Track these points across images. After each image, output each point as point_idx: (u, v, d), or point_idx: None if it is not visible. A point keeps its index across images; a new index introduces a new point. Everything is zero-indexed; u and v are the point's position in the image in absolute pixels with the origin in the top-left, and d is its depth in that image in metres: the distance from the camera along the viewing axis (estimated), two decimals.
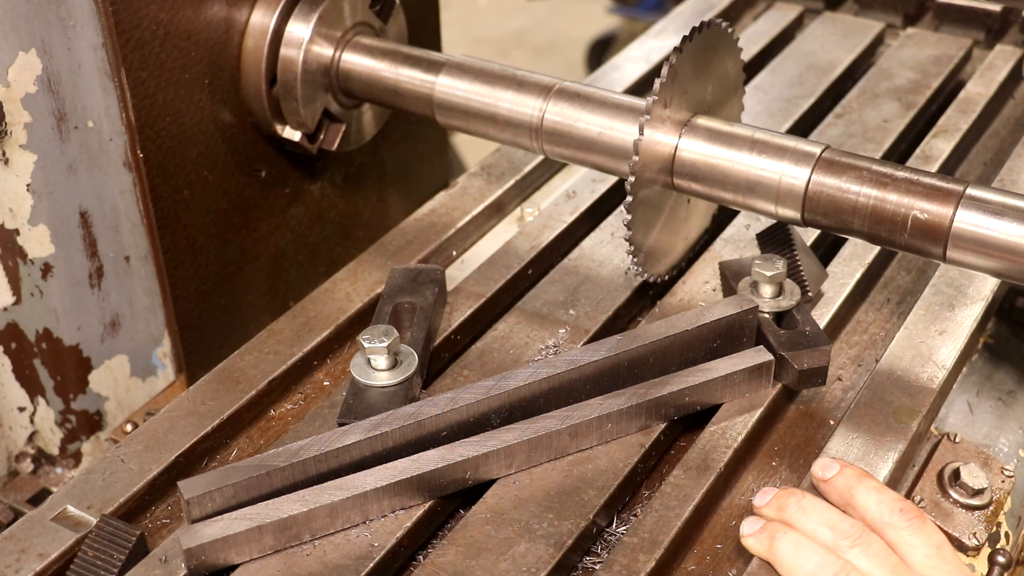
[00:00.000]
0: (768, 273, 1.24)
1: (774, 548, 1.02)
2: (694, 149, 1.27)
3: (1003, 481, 1.21)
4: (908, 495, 1.18)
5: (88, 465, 1.37)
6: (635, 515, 1.12)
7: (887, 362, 1.25)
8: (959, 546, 1.15)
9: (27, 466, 1.51)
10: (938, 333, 1.30)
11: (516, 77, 1.39)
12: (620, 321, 1.37)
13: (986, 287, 1.36)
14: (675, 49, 1.22)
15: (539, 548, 1.04)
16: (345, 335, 1.35)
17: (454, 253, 1.51)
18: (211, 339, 1.52)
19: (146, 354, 1.53)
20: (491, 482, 1.11)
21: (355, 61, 1.47)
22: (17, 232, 1.36)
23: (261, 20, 1.42)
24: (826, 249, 1.48)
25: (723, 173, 1.26)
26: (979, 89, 1.75)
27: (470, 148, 3.06)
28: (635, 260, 1.30)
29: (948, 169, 1.61)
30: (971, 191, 1.15)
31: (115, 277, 1.45)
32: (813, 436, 1.21)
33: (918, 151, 1.62)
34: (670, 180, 1.29)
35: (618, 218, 1.50)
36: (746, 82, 1.51)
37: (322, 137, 1.51)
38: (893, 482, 1.15)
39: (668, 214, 1.34)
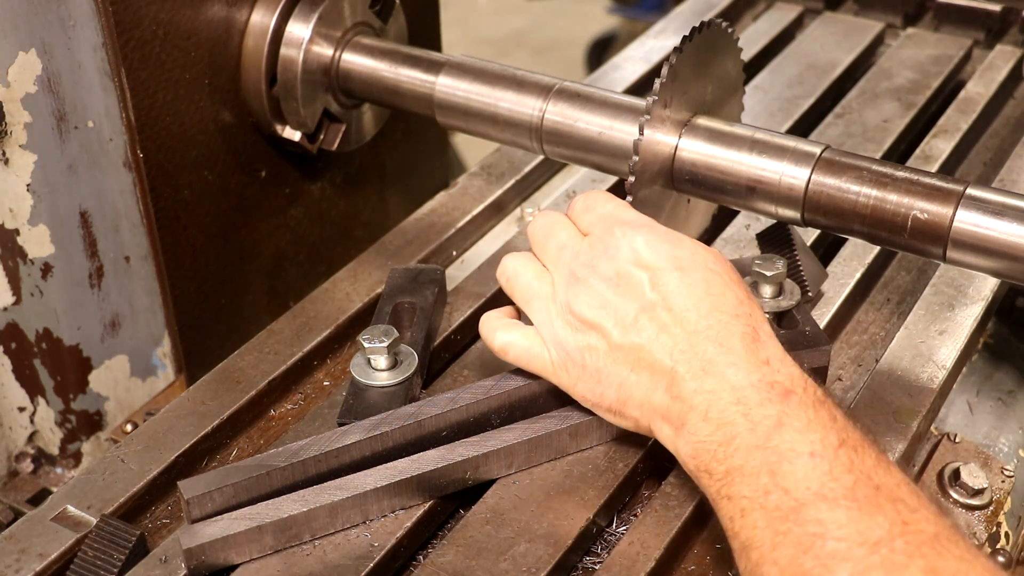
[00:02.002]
0: (768, 273, 1.24)
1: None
2: (694, 149, 1.27)
3: (1003, 481, 1.21)
4: None
5: (88, 465, 1.37)
6: (635, 515, 1.12)
7: (887, 362, 1.26)
8: None
9: (27, 466, 1.51)
10: (938, 333, 1.30)
11: (516, 77, 1.39)
12: None
13: (986, 287, 1.36)
14: (675, 49, 1.22)
15: (539, 548, 1.04)
16: (345, 335, 1.35)
17: (454, 253, 1.51)
18: (211, 339, 1.52)
19: (146, 354, 1.53)
20: (491, 482, 1.11)
21: (355, 61, 1.47)
22: (17, 232, 1.36)
23: (261, 20, 1.42)
24: (826, 249, 1.47)
25: (723, 173, 1.26)
26: (979, 89, 1.75)
27: (470, 148, 3.06)
28: None
29: (948, 169, 1.61)
30: (971, 191, 1.15)
31: (115, 277, 1.45)
32: None
33: (918, 151, 1.62)
34: (670, 180, 1.29)
35: None
36: (746, 82, 1.51)
37: (322, 137, 1.51)
38: None
39: (668, 214, 1.33)
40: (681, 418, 0.99)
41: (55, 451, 1.51)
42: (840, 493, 0.87)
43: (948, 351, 1.27)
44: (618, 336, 1.03)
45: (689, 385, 0.99)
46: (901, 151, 1.67)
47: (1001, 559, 1.13)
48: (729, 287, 1.04)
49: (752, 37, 1.92)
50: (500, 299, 1.38)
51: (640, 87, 1.78)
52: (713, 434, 0.96)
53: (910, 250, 1.20)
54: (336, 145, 1.52)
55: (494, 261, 1.43)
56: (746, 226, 1.47)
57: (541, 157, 1.59)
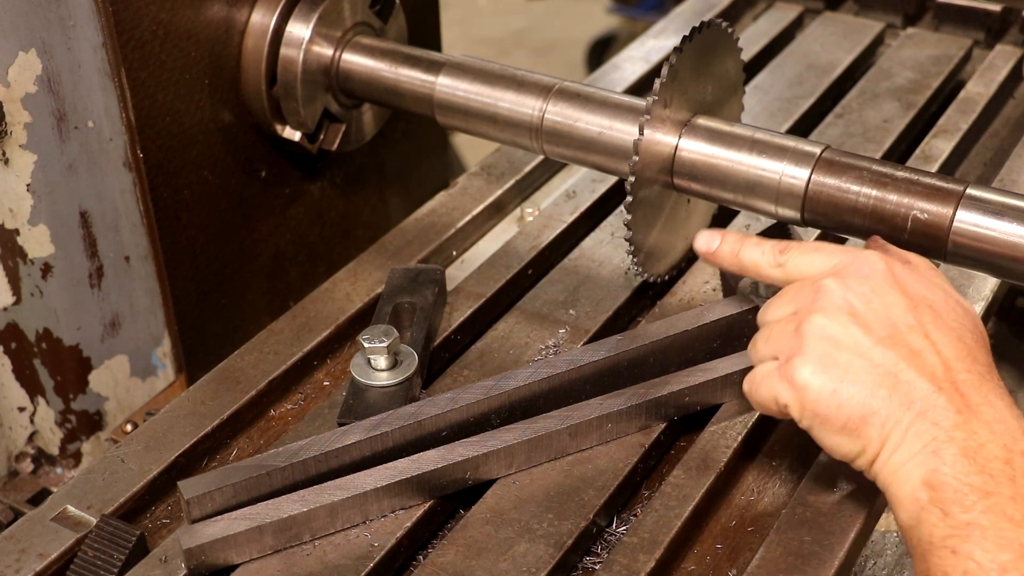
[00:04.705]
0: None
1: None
2: (694, 149, 1.27)
3: None
4: None
5: (88, 465, 1.37)
6: (635, 515, 1.12)
7: None
8: None
9: (27, 466, 1.51)
10: None
11: (516, 77, 1.39)
12: (620, 321, 1.37)
13: (986, 287, 1.36)
14: (675, 49, 1.22)
15: (539, 548, 1.04)
16: (345, 335, 1.35)
17: (454, 253, 1.51)
18: (211, 339, 1.52)
19: (146, 354, 1.53)
20: (491, 482, 1.11)
21: (355, 61, 1.47)
22: (17, 232, 1.36)
23: (261, 20, 1.42)
24: None
25: (723, 173, 1.26)
26: (979, 89, 1.75)
27: (470, 148, 3.06)
28: (635, 260, 1.30)
29: (948, 169, 1.61)
30: (971, 191, 1.15)
31: (115, 277, 1.45)
32: None
33: (918, 151, 1.61)
34: (670, 180, 1.29)
35: (618, 218, 1.50)
36: (746, 82, 1.51)
37: (322, 137, 1.51)
38: None
39: (668, 214, 1.34)
40: (934, 444, 0.90)
41: (55, 451, 1.51)
42: None
43: None
44: (877, 341, 0.95)
45: (951, 418, 0.91)
46: (901, 151, 1.67)
47: None
48: (979, 344, 0.99)
49: (752, 37, 1.92)
50: (500, 299, 1.39)
51: (640, 87, 1.78)
52: (970, 476, 0.88)
53: (910, 250, 1.20)
54: (336, 145, 1.52)
55: (494, 261, 1.43)
56: (746, 226, 1.47)
57: (541, 157, 1.59)
